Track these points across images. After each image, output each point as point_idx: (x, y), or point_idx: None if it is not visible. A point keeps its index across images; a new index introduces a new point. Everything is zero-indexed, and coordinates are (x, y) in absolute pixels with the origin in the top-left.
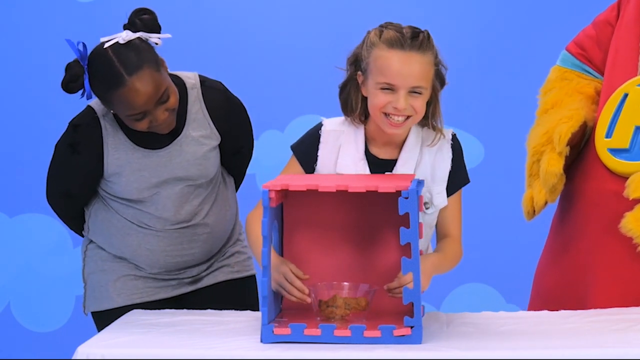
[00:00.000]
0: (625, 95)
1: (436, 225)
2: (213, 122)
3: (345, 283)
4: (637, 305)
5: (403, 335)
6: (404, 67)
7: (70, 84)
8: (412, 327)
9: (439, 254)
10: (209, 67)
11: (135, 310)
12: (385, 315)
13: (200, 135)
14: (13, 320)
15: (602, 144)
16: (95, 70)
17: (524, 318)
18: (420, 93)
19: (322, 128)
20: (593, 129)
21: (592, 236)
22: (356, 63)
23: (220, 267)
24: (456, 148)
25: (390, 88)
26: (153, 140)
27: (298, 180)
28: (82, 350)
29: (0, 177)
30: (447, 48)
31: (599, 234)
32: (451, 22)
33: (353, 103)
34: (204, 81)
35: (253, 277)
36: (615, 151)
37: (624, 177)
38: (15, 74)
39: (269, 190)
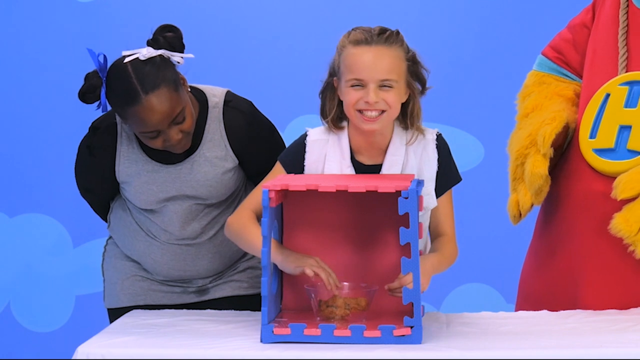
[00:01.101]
0: (607, 95)
1: (429, 225)
2: (230, 143)
3: (345, 283)
4: (630, 307)
5: (403, 335)
6: (370, 61)
7: (86, 95)
8: (412, 327)
9: (437, 254)
10: (209, 68)
11: (135, 311)
12: (385, 315)
13: (215, 156)
14: (13, 320)
15: (586, 144)
16: (113, 84)
17: (524, 318)
18: (390, 87)
19: (307, 138)
20: (576, 130)
21: (581, 238)
22: (332, 70)
23: (229, 282)
24: (442, 148)
25: (360, 84)
26: (167, 155)
27: (298, 180)
28: (82, 350)
29: (0, 177)
30: (447, 48)
31: (588, 235)
32: (451, 22)
33: (327, 107)
34: (229, 100)
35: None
36: (600, 151)
37: (610, 178)
38: (15, 74)
39: (269, 190)
